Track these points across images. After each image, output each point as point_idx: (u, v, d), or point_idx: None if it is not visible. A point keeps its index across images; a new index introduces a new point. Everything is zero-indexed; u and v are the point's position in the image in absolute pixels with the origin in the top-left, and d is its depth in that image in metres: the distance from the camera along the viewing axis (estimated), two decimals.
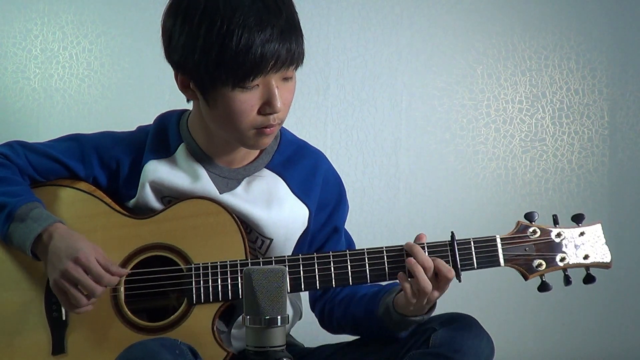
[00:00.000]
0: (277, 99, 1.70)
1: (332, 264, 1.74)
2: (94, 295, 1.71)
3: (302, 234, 1.88)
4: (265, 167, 1.87)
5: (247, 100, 1.70)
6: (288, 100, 1.75)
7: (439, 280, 1.69)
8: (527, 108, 2.83)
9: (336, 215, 1.92)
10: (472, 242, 1.73)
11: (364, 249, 1.75)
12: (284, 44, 1.67)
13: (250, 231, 1.82)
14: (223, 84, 1.68)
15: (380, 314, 1.76)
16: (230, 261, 1.75)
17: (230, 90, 1.69)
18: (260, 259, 1.77)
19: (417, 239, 1.75)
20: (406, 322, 1.74)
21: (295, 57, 1.70)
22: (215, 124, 1.77)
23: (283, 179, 1.86)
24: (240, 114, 1.71)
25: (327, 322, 1.92)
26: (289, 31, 1.68)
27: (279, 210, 1.83)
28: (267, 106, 1.71)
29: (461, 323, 1.72)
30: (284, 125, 1.92)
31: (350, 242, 1.95)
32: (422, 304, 1.70)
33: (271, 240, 1.83)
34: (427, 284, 1.67)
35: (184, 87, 1.76)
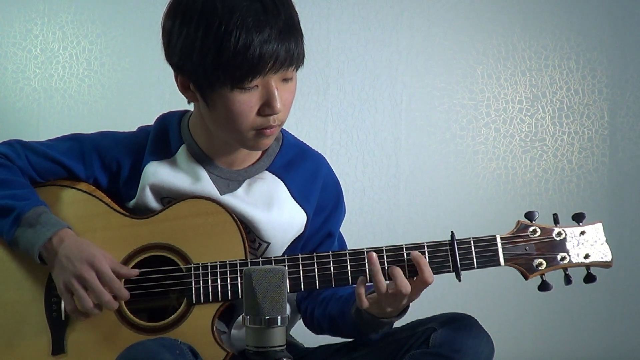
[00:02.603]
0: (276, 99, 1.69)
1: (331, 264, 1.74)
2: (100, 300, 1.71)
3: (297, 237, 1.87)
4: (266, 170, 1.87)
5: (247, 101, 1.69)
6: (288, 101, 1.74)
7: (416, 283, 1.69)
8: (527, 108, 2.83)
9: (332, 220, 1.91)
10: (472, 242, 1.73)
11: (363, 249, 1.75)
12: (283, 45, 1.66)
13: (248, 232, 1.82)
14: (222, 85, 1.68)
15: (353, 313, 1.77)
16: (229, 261, 1.75)
17: (229, 91, 1.68)
18: (260, 259, 1.77)
19: (369, 257, 1.72)
20: (376, 323, 1.74)
21: (294, 58, 1.69)
22: (215, 125, 1.77)
23: (284, 183, 1.86)
24: (239, 115, 1.70)
25: (309, 322, 1.93)
26: (288, 32, 1.67)
27: (279, 214, 1.83)
28: (266, 107, 1.70)
29: (461, 323, 1.72)
30: (285, 127, 1.92)
31: (343, 247, 1.95)
32: (397, 306, 1.70)
33: (268, 244, 1.82)
34: (407, 284, 1.67)
35: (184, 88, 1.76)
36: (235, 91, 1.68)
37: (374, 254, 1.70)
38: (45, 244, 1.73)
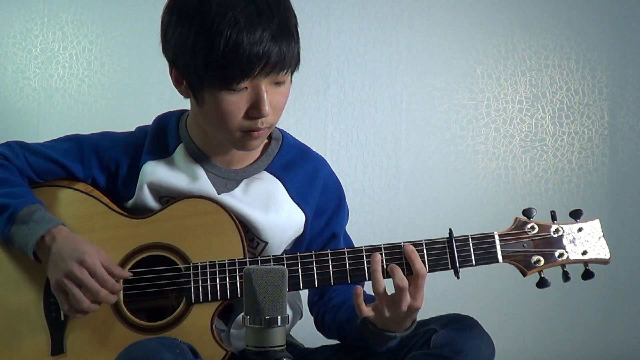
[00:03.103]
0: (265, 103, 1.68)
1: (330, 262, 1.74)
2: (96, 297, 1.71)
3: (298, 238, 1.87)
4: (265, 170, 1.86)
5: (235, 102, 1.69)
6: (279, 104, 1.73)
7: (412, 279, 1.68)
8: (527, 108, 2.83)
9: (334, 221, 1.91)
10: (470, 239, 1.73)
11: (362, 247, 1.75)
12: (274, 48, 1.64)
13: (247, 232, 1.82)
14: (210, 85, 1.67)
15: (359, 323, 1.75)
16: (228, 260, 1.75)
17: (217, 91, 1.68)
18: (259, 258, 1.77)
19: (373, 257, 1.72)
20: (380, 336, 1.72)
21: (285, 62, 1.68)
22: (205, 122, 1.77)
23: (282, 183, 1.86)
24: (227, 115, 1.70)
25: (321, 327, 1.93)
26: (281, 35, 1.66)
27: (276, 215, 1.83)
28: (254, 110, 1.70)
29: (462, 324, 1.72)
30: (285, 127, 1.92)
31: (350, 246, 1.94)
32: (397, 311, 1.68)
33: (266, 243, 1.82)
34: (403, 280, 1.67)
35: (177, 83, 1.76)
36: (223, 91, 1.68)
37: (379, 255, 1.70)
38: (38, 241, 1.73)
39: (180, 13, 1.69)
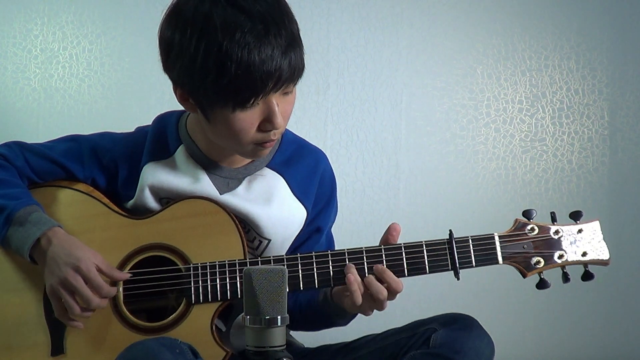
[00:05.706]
0: (277, 116, 1.68)
1: (330, 263, 1.74)
2: (89, 306, 1.71)
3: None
4: (266, 166, 1.87)
5: (247, 118, 1.68)
6: (288, 112, 1.74)
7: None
8: (527, 108, 2.83)
9: (322, 215, 1.92)
10: (470, 240, 1.73)
11: (362, 248, 1.75)
12: (284, 63, 1.63)
13: (248, 231, 1.82)
14: (222, 106, 1.66)
15: (320, 301, 1.79)
16: (228, 261, 1.75)
17: (230, 111, 1.67)
18: (259, 259, 1.77)
19: (391, 229, 1.76)
20: (344, 312, 1.75)
21: (295, 75, 1.68)
22: (215, 137, 1.77)
23: (284, 178, 1.86)
24: (240, 132, 1.70)
25: None
26: (289, 48, 1.65)
27: (279, 210, 1.83)
28: (267, 123, 1.70)
29: (462, 324, 1.72)
30: None
31: (330, 245, 1.96)
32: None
33: (269, 241, 1.82)
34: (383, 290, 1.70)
35: (183, 100, 1.74)
36: (236, 111, 1.67)
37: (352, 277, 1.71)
38: (35, 244, 1.73)
39: (183, 32, 1.64)
